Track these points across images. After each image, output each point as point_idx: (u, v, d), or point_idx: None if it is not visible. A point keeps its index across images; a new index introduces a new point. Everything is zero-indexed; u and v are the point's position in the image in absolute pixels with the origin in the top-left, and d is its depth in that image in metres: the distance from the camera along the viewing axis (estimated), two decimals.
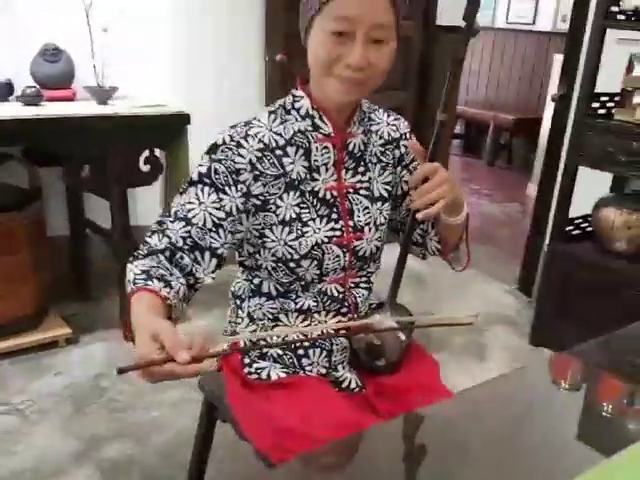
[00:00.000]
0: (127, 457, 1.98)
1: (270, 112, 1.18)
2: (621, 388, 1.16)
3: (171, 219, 1.10)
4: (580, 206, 2.75)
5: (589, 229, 2.77)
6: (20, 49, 2.57)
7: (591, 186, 2.72)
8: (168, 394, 2.29)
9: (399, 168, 1.30)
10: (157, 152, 2.59)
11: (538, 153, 5.63)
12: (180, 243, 1.08)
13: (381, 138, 1.27)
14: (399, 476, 0.88)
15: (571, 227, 2.75)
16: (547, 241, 3.07)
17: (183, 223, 1.09)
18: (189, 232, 1.09)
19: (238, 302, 1.30)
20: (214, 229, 1.10)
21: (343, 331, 1.21)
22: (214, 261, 1.12)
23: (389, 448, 0.92)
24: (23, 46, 2.56)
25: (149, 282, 1.00)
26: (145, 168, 2.55)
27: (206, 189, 1.10)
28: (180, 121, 2.54)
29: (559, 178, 2.97)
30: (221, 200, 1.10)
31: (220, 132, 1.15)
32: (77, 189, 2.83)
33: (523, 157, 6.43)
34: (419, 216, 1.15)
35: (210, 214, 1.10)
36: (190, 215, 1.09)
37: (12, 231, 2.41)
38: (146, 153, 2.54)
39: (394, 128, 1.29)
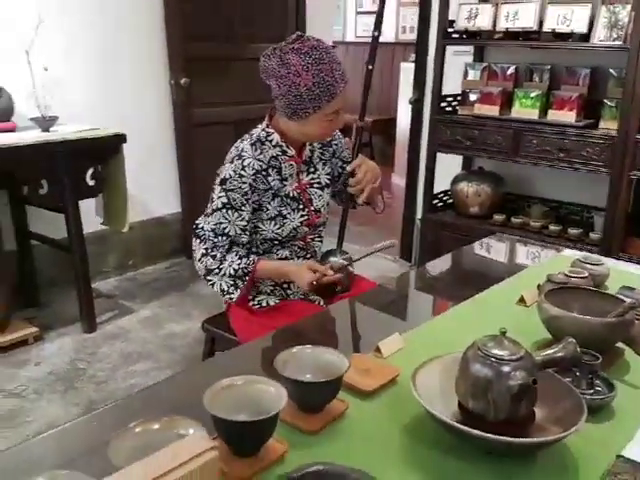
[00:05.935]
0: None
1: (251, 144, 1.73)
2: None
3: (213, 235, 1.70)
4: (441, 184, 3.53)
5: (449, 201, 3.56)
6: None
7: (447, 168, 3.52)
8: (137, 366, 2.77)
9: (334, 159, 1.93)
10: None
11: (397, 148, 6.53)
12: (226, 248, 1.71)
13: (319, 143, 1.87)
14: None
15: (436, 200, 3.53)
16: (419, 215, 3.84)
17: (224, 237, 1.71)
18: (230, 242, 1.72)
19: None
20: (242, 232, 1.72)
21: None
22: (244, 250, 1.75)
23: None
24: None
25: (255, 257, 1.72)
26: (91, 182, 2.99)
27: (230, 212, 1.70)
28: (118, 140, 3.01)
29: (422, 164, 3.75)
30: (240, 215, 1.70)
31: (224, 168, 1.71)
32: (21, 207, 3.19)
33: (383, 152, 7.33)
34: (359, 201, 1.84)
35: (237, 226, 1.71)
36: (226, 231, 1.70)
37: None
38: (91, 170, 2.98)
39: None
